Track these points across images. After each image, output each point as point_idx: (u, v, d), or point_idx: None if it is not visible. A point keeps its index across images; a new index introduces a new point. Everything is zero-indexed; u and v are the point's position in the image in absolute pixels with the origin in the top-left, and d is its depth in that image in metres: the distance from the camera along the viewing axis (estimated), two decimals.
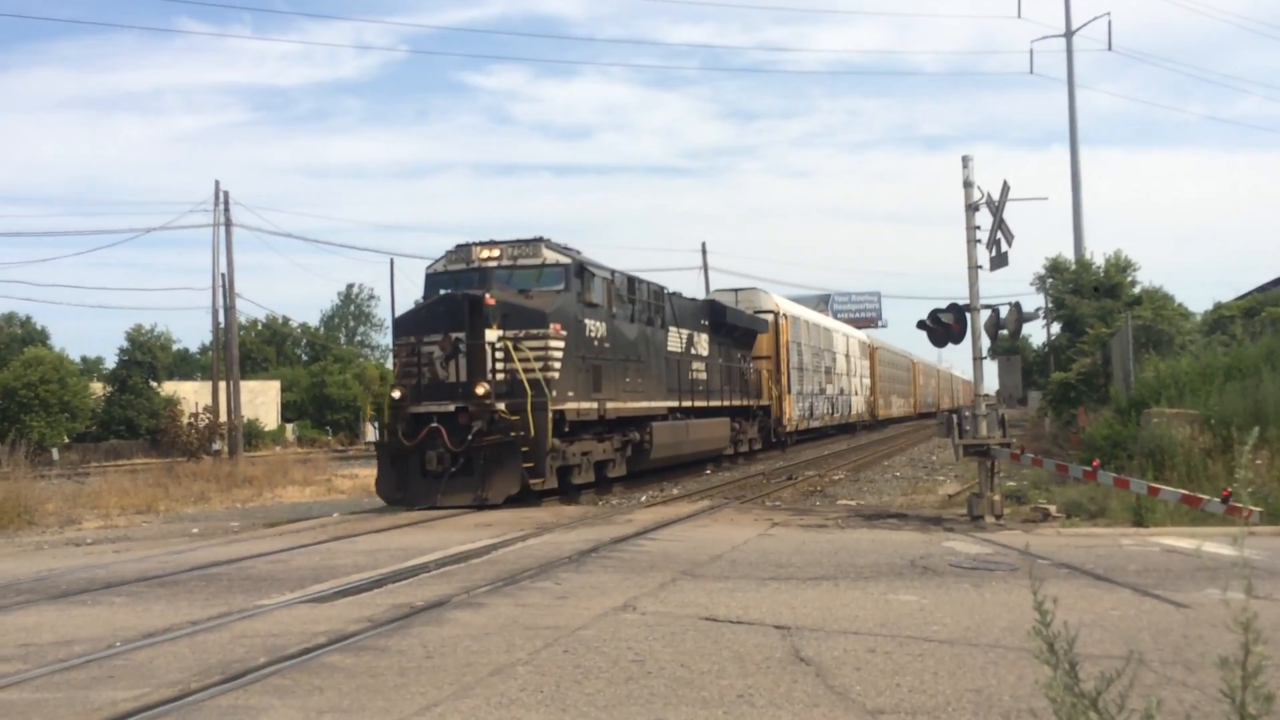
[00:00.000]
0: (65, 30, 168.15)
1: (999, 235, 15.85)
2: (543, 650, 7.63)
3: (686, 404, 28.07)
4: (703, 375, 30.17)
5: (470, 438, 19.36)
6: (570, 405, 21.09)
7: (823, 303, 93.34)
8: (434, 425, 19.64)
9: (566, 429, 21.11)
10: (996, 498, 15.43)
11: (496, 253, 21.88)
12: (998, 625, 8.17)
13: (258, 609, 9.76)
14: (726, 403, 31.79)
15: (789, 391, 38.79)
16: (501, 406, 19.59)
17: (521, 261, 21.81)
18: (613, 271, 23.80)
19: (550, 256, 21.72)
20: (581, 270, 21.98)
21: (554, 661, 7.30)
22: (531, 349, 20.28)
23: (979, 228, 15.98)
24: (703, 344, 30.70)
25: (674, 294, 29.61)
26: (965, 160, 16.10)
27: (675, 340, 28.07)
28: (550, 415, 20.00)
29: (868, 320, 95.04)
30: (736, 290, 38.97)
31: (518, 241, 21.89)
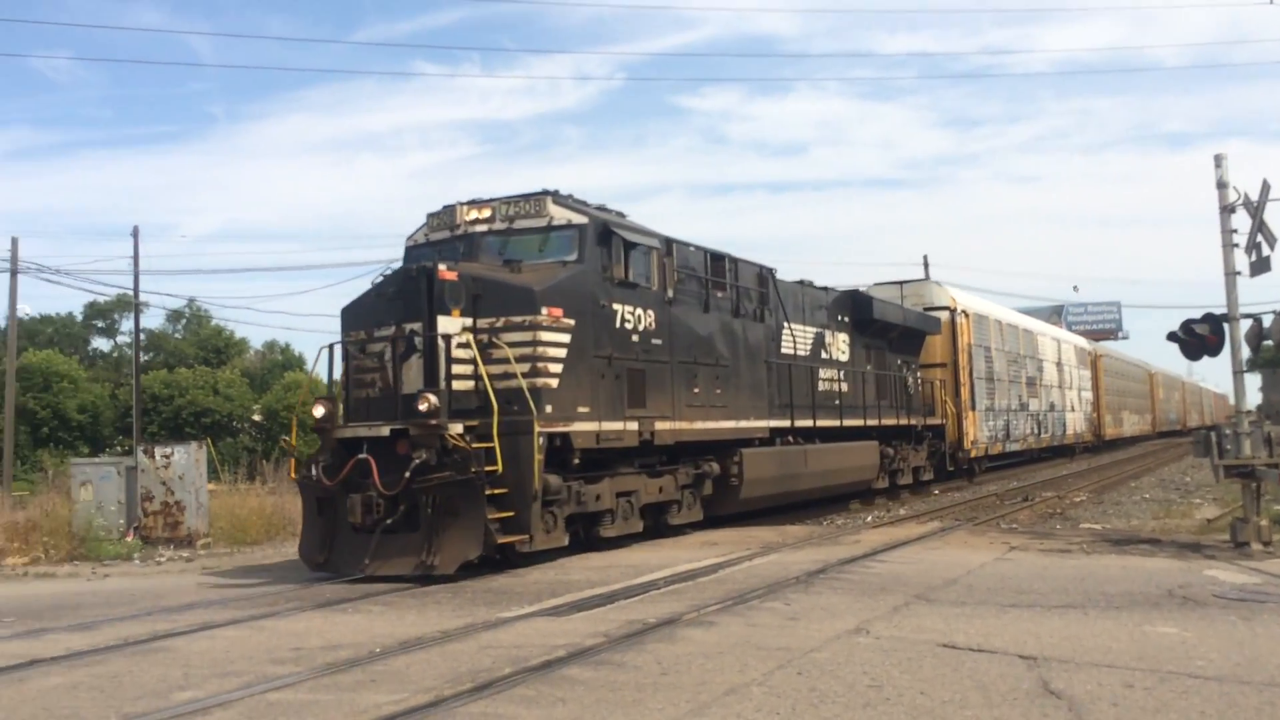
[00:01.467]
0: (316, 79, 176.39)
1: (1259, 238, 15.08)
2: (776, 671, 7.65)
3: (804, 423, 21.03)
4: (838, 386, 23.06)
5: (408, 475, 13.09)
6: (582, 426, 14.59)
7: (1056, 314, 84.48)
8: (362, 457, 13.49)
9: (577, 460, 14.60)
10: (1264, 523, 14.33)
11: (487, 213, 15.61)
12: (1272, 662, 7.76)
13: (500, 621, 10.13)
14: (875, 422, 24.50)
15: (972, 407, 30.96)
16: (456, 429, 13.25)
17: (520, 223, 15.48)
18: (670, 241, 17.14)
19: (558, 214, 15.28)
20: (607, 235, 15.45)
21: (788, 684, 7.31)
22: (514, 343, 13.90)
23: (1236, 230, 15.31)
24: (840, 346, 23.59)
25: (800, 283, 22.67)
26: (1218, 159, 15.42)
27: (791, 340, 21.13)
28: (539, 441, 13.56)
29: (1106, 332, 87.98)
30: (902, 283, 31.47)
31: (516, 197, 15.57)
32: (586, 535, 15.61)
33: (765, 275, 20.45)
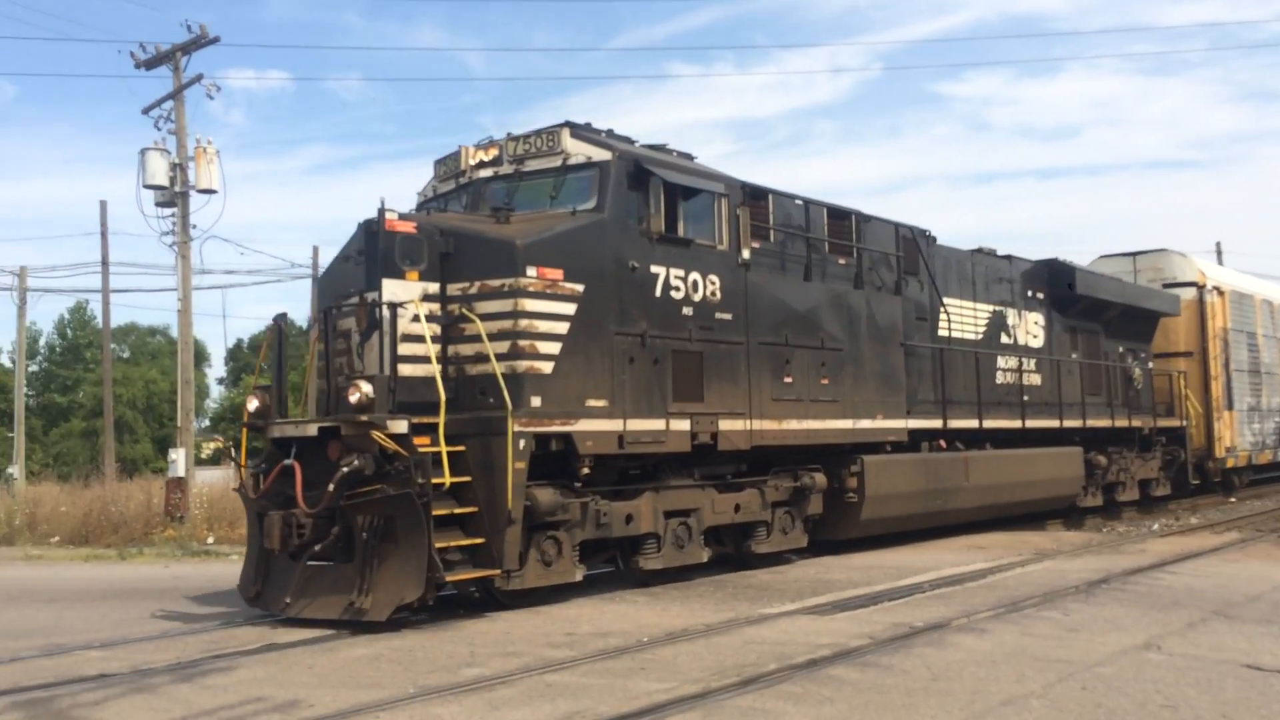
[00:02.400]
0: (578, 86, 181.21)
1: None
2: (1057, 684, 7.31)
3: (963, 423, 16.68)
4: (1024, 378, 18.51)
5: (332, 487, 9.97)
6: (593, 425, 11.10)
7: None
8: (287, 463, 10.46)
9: (587, 468, 11.13)
10: None
11: (494, 153, 12.34)
12: None
13: (762, 617, 10.07)
14: (1077, 422, 19.68)
15: (1227, 406, 25.26)
16: (399, 427, 10.00)
17: (531, 165, 12.14)
18: (745, 186, 13.34)
19: (575, 150, 11.83)
20: (641, 175, 11.87)
21: (1071, 697, 6.95)
22: (490, 315, 10.59)
23: None
24: (1029, 328, 19.03)
25: (976, 251, 18.32)
26: None
27: (950, 320, 16.83)
28: (519, 444, 10.19)
29: None
30: (1134, 254, 25.97)
31: (529, 135, 12.22)
32: (627, 565, 12.12)
33: (912, 238, 16.25)
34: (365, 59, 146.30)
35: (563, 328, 10.89)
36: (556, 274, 10.88)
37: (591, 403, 11.11)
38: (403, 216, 10.61)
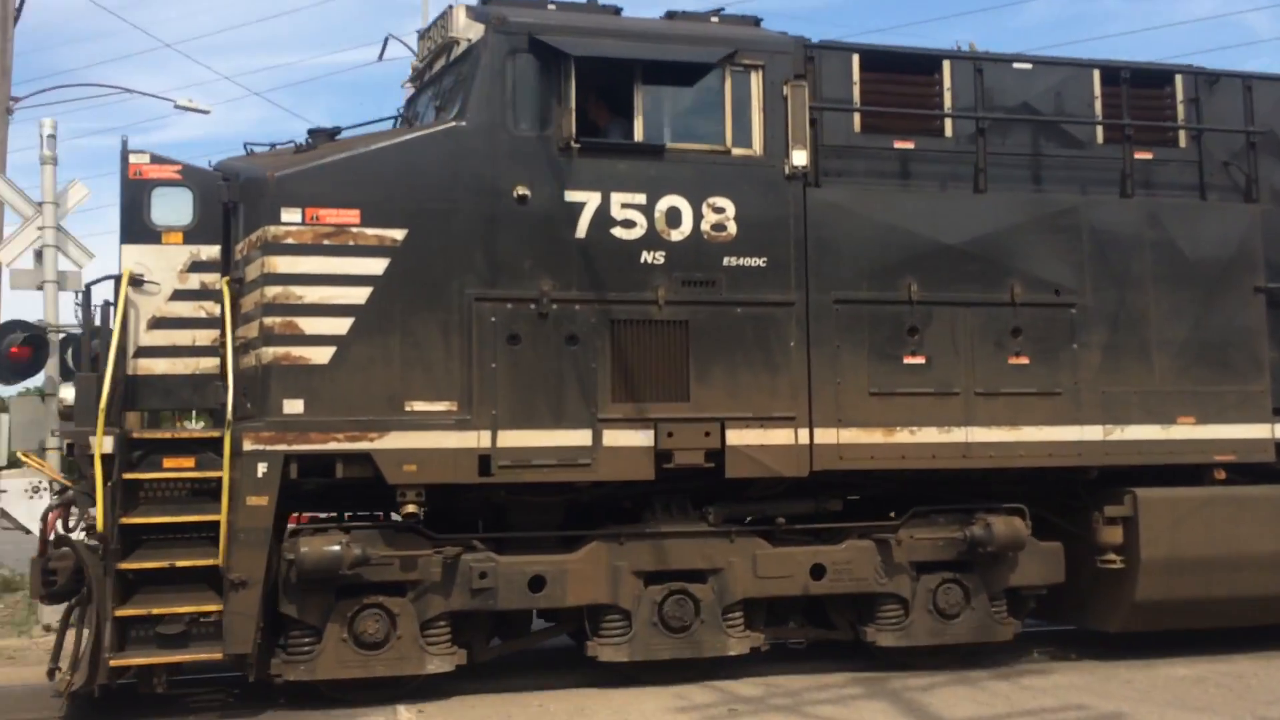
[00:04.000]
0: None
1: None
2: None
3: None
4: None
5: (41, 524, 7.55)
6: (419, 440, 7.30)
7: None
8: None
9: (414, 504, 7.36)
10: None
11: (422, 55, 8.85)
12: None
13: None
14: None
15: None
16: (101, 446, 7.17)
17: (438, 64, 8.47)
18: (825, 47, 8.29)
19: (463, 32, 7.95)
20: (543, 53, 7.64)
21: None
22: (251, 283, 7.42)
23: None
24: None
25: None
26: None
27: None
28: (253, 467, 7.02)
29: None
30: None
31: (431, 25, 8.63)
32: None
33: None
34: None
35: (358, 295, 7.25)
36: (346, 216, 7.27)
37: (417, 406, 7.29)
38: (153, 159, 7.74)
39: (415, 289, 7.33)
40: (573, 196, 7.59)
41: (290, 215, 7.22)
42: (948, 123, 8.65)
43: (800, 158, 7.94)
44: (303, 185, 7.27)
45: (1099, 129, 8.93)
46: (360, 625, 7.35)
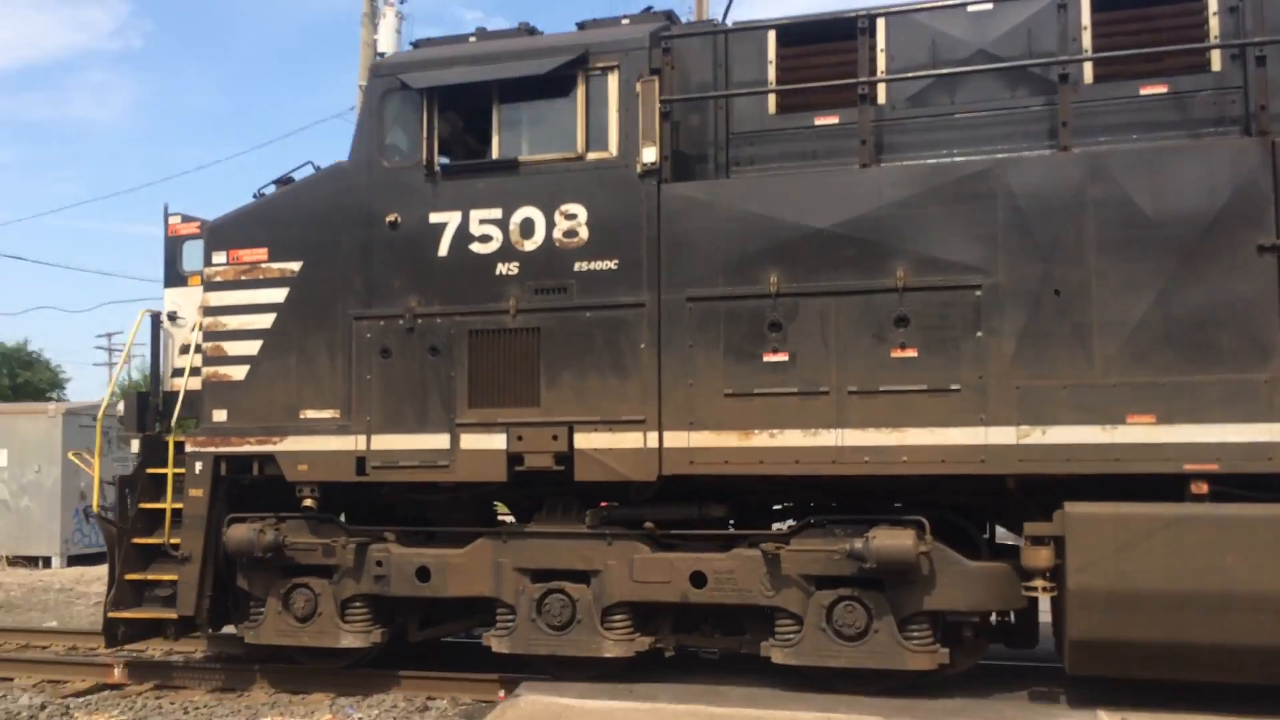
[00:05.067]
0: None
1: None
2: None
3: None
4: None
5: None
6: (309, 444, 8.41)
7: None
8: None
9: (310, 499, 8.47)
10: None
11: None
12: None
13: None
14: None
15: None
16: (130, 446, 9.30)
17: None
18: (688, 30, 7.93)
19: (366, 76, 8.84)
20: (401, 91, 8.28)
21: None
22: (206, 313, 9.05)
23: None
24: None
25: None
26: None
27: None
28: (192, 465, 8.70)
29: None
30: None
31: None
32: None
33: None
34: None
35: (264, 321, 8.53)
36: (257, 254, 8.58)
37: (309, 414, 8.37)
38: (184, 219, 9.56)
39: (308, 312, 8.42)
40: (436, 218, 8.18)
41: (219, 257, 8.70)
42: (880, 89, 7.83)
43: (650, 154, 7.74)
44: (227, 231, 8.71)
45: (1087, 66, 7.49)
46: (292, 600, 8.61)
